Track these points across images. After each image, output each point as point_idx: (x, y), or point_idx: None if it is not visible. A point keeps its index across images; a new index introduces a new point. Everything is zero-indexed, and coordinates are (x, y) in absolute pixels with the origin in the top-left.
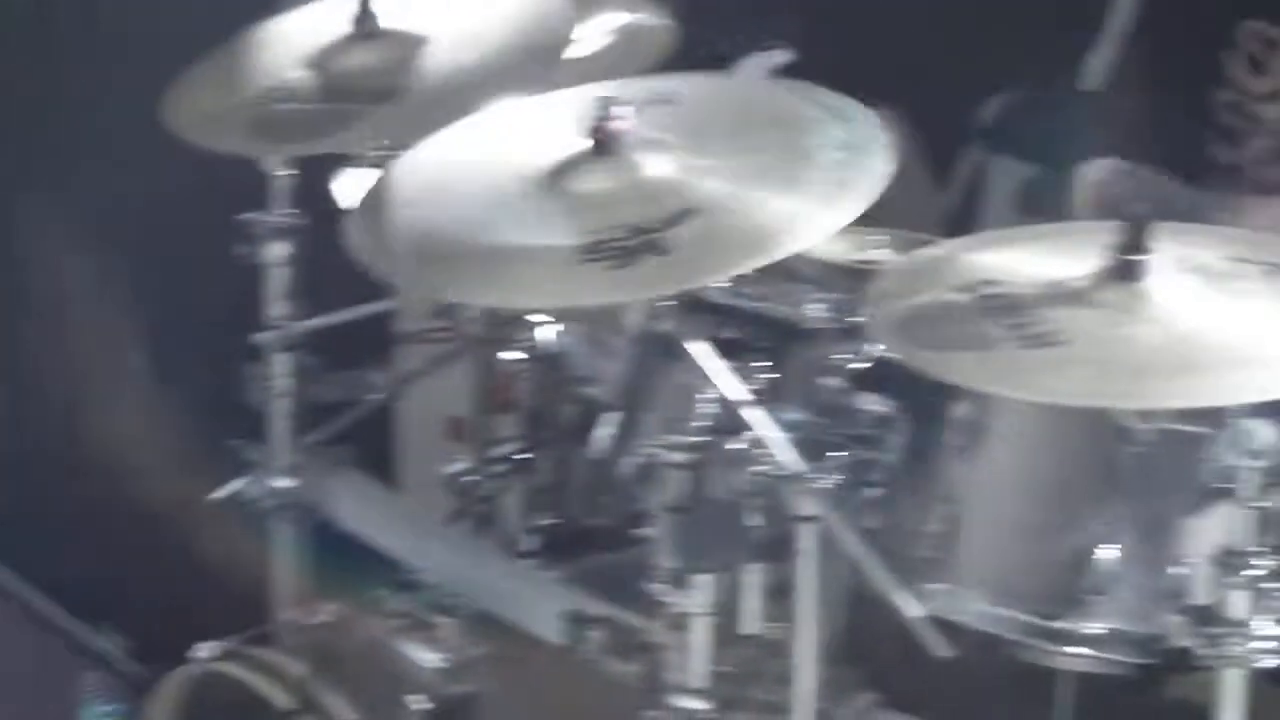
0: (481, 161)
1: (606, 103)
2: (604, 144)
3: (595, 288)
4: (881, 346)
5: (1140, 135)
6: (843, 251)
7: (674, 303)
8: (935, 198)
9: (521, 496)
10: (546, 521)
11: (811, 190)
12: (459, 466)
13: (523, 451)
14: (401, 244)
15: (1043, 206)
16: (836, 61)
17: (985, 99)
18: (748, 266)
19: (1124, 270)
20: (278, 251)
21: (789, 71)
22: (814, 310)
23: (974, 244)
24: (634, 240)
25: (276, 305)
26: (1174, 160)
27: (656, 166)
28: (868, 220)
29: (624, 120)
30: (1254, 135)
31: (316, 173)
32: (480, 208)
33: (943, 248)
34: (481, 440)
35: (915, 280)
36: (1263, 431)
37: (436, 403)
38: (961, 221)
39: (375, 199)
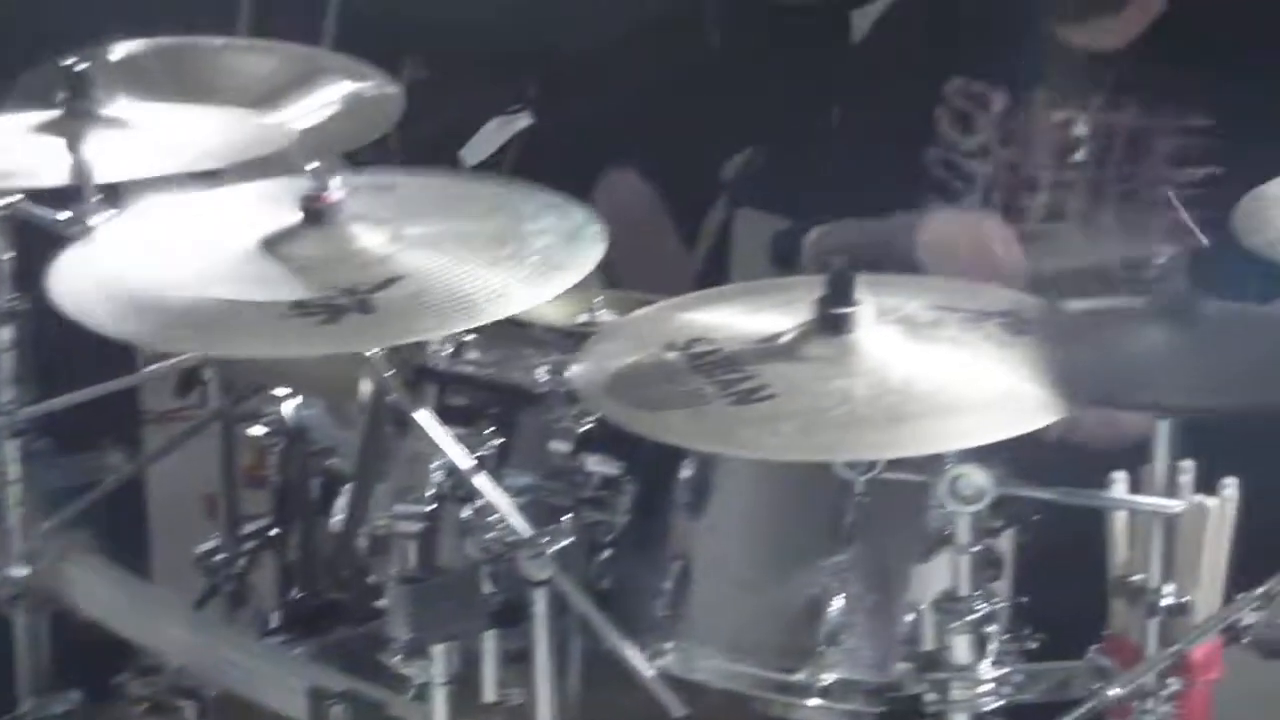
0: (201, 228)
1: (321, 175)
2: (316, 214)
3: (303, 341)
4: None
5: (859, 190)
6: (565, 315)
7: (400, 371)
8: (683, 256)
9: (272, 573)
10: (294, 597)
11: (519, 268)
12: (210, 545)
13: (272, 527)
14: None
15: (790, 260)
16: (580, 123)
17: (730, 156)
18: (451, 330)
19: (831, 324)
20: (0, 336)
21: (531, 133)
22: (540, 374)
23: (688, 303)
24: (342, 299)
25: (2, 391)
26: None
27: (369, 238)
28: (604, 282)
29: (335, 192)
30: (965, 191)
31: (38, 254)
32: (197, 269)
33: (657, 307)
34: (232, 517)
35: (628, 340)
36: (975, 477)
37: (189, 481)
38: (711, 278)
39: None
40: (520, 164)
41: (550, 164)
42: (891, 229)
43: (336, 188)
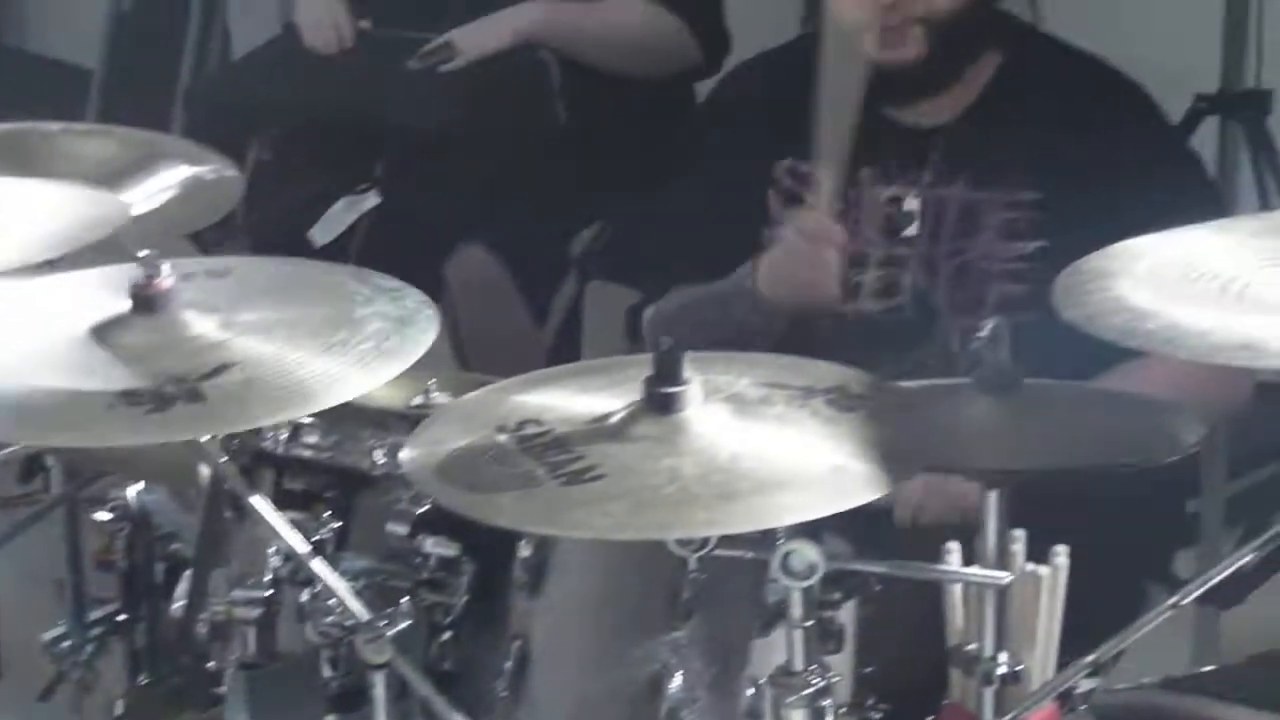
0: (29, 315)
1: (150, 262)
2: (146, 302)
3: (131, 431)
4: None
5: (699, 265)
6: (400, 397)
7: (236, 457)
8: (534, 332)
9: (119, 659)
10: (140, 684)
11: (351, 355)
12: (57, 632)
13: (120, 613)
14: None
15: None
16: (427, 201)
17: (579, 230)
18: (281, 418)
19: (660, 403)
20: None
21: (379, 212)
22: (377, 457)
23: (519, 385)
24: (170, 388)
25: None
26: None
27: (200, 325)
28: (456, 358)
29: (166, 279)
30: None
31: None
32: (24, 358)
33: (489, 389)
34: (79, 603)
35: (460, 423)
36: (806, 552)
37: (36, 567)
38: (563, 354)
39: None
40: (369, 243)
41: (399, 242)
42: (726, 287)
43: (167, 275)
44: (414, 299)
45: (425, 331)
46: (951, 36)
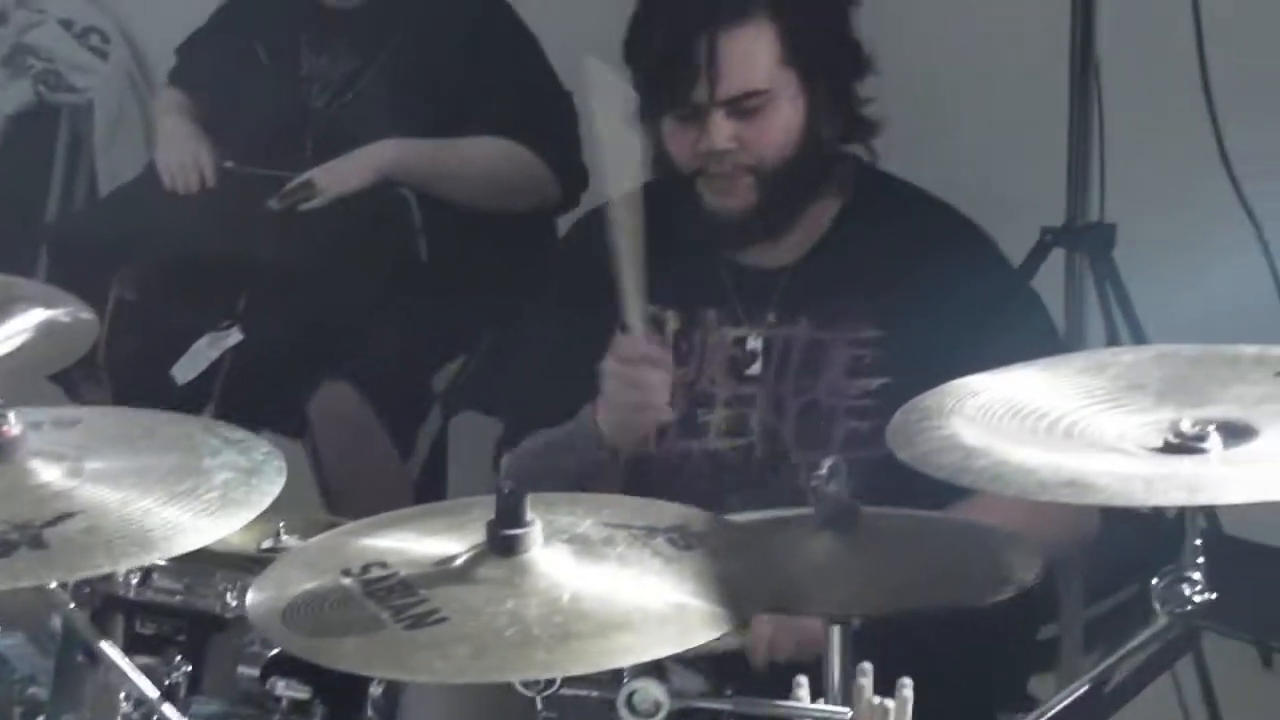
0: None
1: None
2: None
3: None
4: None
5: (553, 401)
6: (250, 540)
7: (87, 601)
8: (399, 466)
9: None
10: None
11: (199, 503)
12: None
13: None
14: None
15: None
16: (290, 337)
17: (442, 365)
18: (127, 565)
19: (502, 545)
20: None
21: (242, 349)
22: (228, 600)
23: (365, 527)
24: (13, 535)
25: None
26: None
27: (46, 473)
28: (321, 495)
29: (13, 428)
30: None
31: None
32: None
33: (336, 532)
34: None
35: (306, 567)
36: (651, 691)
37: None
38: (428, 488)
39: None
40: (232, 380)
41: (262, 379)
42: (573, 429)
43: (14, 423)
44: (262, 450)
45: (273, 482)
46: (783, 185)
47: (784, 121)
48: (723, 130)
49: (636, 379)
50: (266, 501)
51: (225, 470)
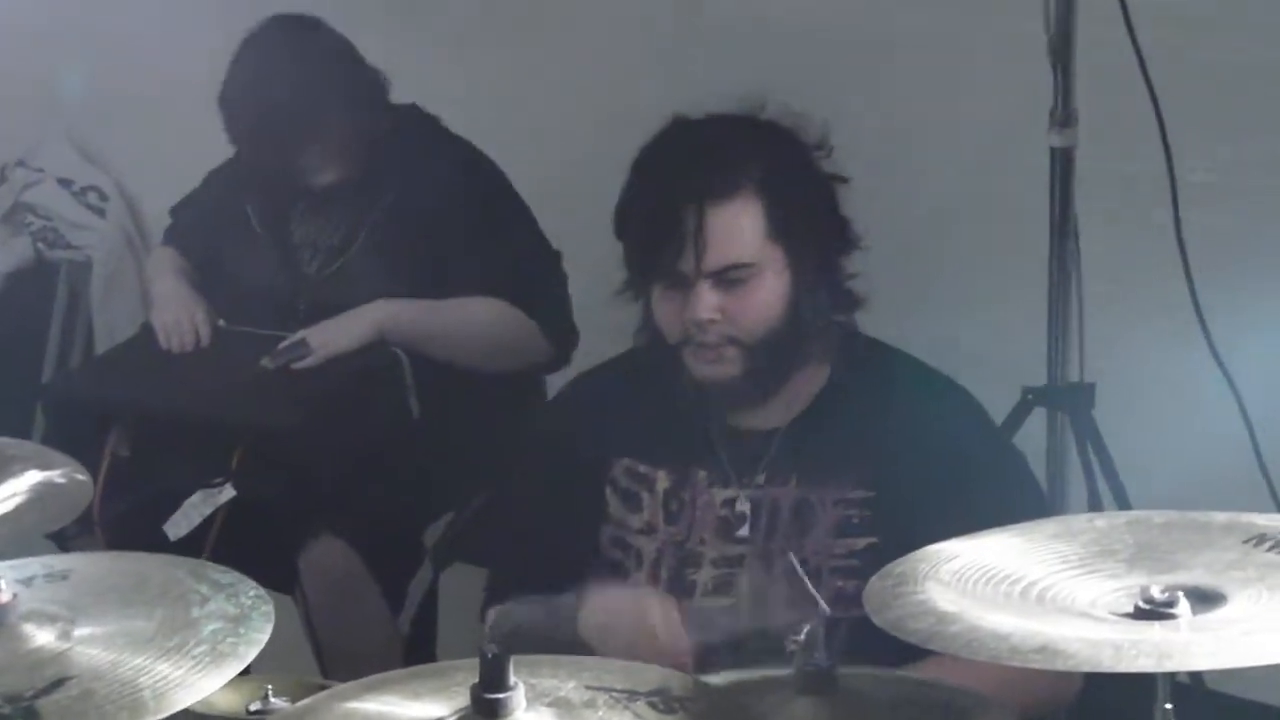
0: None
1: None
2: None
3: None
4: None
5: (539, 562)
6: (238, 702)
7: None
8: (389, 620)
9: None
10: None
11: (189, 658)
12: None
13: None
14: None
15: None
16: (282, 494)
17: (433, 520)
18: None
19: (486, 709)
20: None
21: (235, 505)
22: None
23: (355, 690)
24: (7, 708)
25: None
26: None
27: (39, 637)
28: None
29: (2, 594)
30: (635, 568)
31: None
32: None
33: (322, 695)
34: None
35: None
36: None
37: None
38: (418, 642)
39: None
40: (224, 536)
41: (254, 535)
42: (559, 607)
43: (4, 589)
44: (250, 593)
45: (261, 629)
46: (767, 355)
47: (769, 294)
48: (708, 301)
49: (651, 642)
50: (254, 652)
51: (213, 620)
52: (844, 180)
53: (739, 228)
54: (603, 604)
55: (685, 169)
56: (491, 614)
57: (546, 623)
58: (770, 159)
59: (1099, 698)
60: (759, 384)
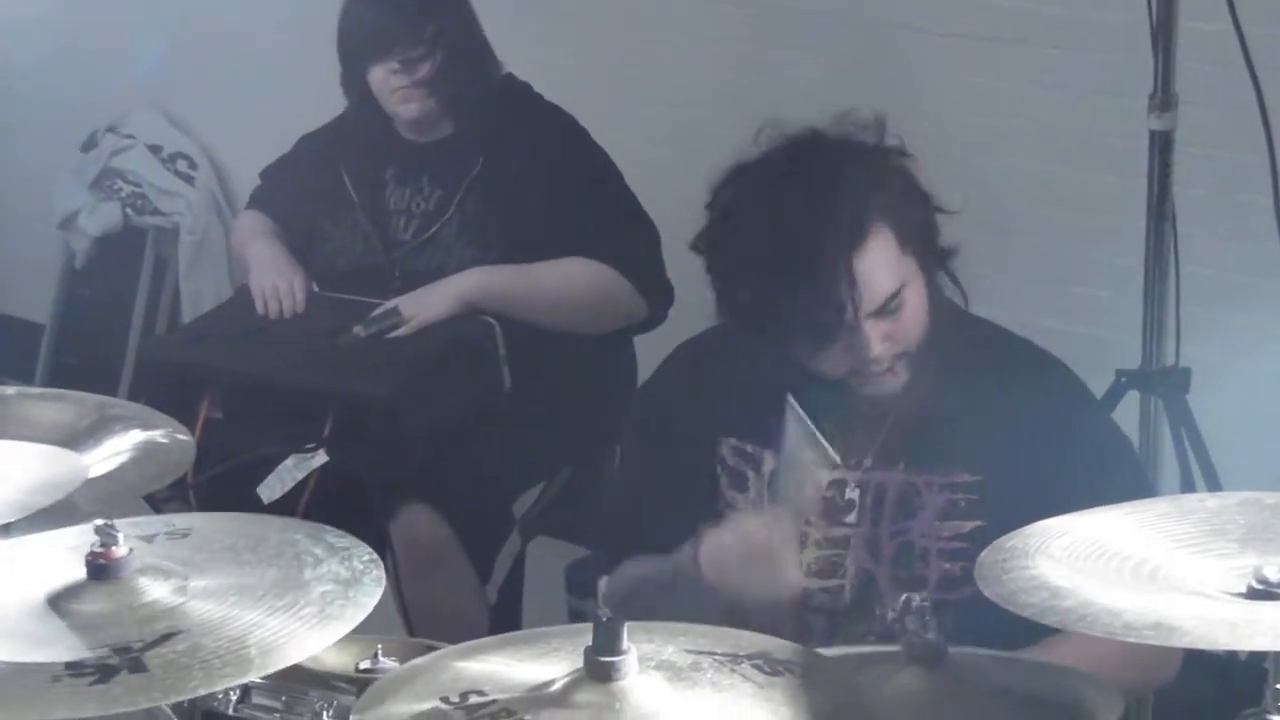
0: None
1: (105, 531)
2: (100, 570)
3: (71, 705)
4: None
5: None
6: (347, 661)
7: (187, 717)
8: (478, 589)
9: None
10: None
11: (300, 616)
12: None
13: None
14: None
15: (586, 592)
16: (374, 461)
17: (523, 491)
18: (226, 685)
19: (600, 671)
20: None
21: (327, 471)
22: (324, 718)
23: (463, 651)
24: (115, 659)
25: None
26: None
27: (154, 591)
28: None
29: (119, 548)
30: None
31: None
32: None
33: (433, 656)
34: None
35: (404, 690)
36: None
37: None
38: (505, 611)
39: None
40: (315, 500)
41: (345, 500)
42: (674, 563)
43: (120, 543)
44: (363, 557)
45: (370, 593)
46: (928, 354)
47: (918, 300)
48: (876, 336)
49: (769, 565)
50: (361, 616)
51: (325, 582)
52: (910, 156)
53: (883, 262)
54: (716, 535)
55: (813, 220)
56: (603, 582)
57: (660, 577)
58: (886, 184)
59: (1185, 685)
60: (925, 384)
